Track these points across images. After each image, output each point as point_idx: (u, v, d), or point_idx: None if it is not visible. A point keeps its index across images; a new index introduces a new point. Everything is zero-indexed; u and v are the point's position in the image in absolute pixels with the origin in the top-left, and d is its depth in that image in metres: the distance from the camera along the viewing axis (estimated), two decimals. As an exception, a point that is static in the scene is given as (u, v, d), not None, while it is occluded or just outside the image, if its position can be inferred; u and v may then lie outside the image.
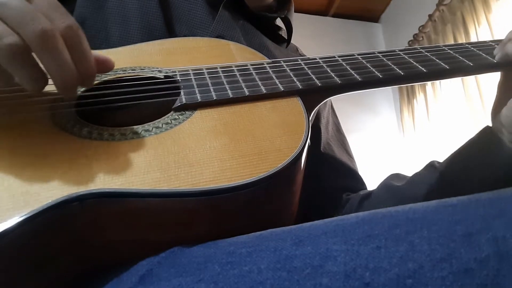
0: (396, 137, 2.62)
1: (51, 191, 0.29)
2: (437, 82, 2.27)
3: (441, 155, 0.56)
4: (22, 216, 0.27)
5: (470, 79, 1.95)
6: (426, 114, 2.35)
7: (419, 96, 2.44)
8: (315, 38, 2.68)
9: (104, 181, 0.30)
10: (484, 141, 0.52)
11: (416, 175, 0.57)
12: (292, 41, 0.74)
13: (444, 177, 0.53)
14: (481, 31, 1.95)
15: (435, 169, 0.54)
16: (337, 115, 0.78)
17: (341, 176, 0.66)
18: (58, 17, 0.32)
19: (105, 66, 0.38)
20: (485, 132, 0.52)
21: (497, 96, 0.52)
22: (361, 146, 2.39)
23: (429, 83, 2.35)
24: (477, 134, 0.53)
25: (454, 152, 0.54)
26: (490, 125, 0.50)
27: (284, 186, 0.36)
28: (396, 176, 0.61)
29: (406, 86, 2.57)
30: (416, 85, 2.47)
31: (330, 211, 0.63)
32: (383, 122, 2.71)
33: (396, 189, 0.58)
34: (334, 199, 0.64)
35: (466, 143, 0.54)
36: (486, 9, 1.95)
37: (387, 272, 0.22)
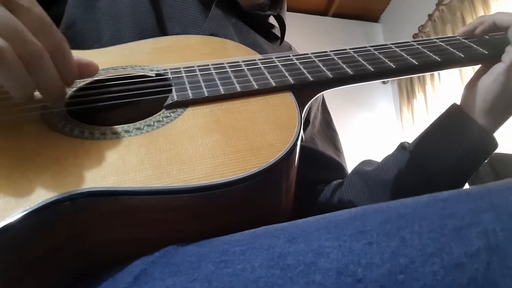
0: (396, 136, 2.62)
1: (42, 192, 0.29)
2: (437, 80, 2.27)
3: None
4: (13, 217, 0.26)
5: (469, 75, 1.94)
6: (425, 114, 2.34)
7: (419, 95, 2.44)
8: (315, 38, 2.68)
9: (96, 180, 0.30)
10: (452, 118, 0.52)
11: (386, 157, 0.57)
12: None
13: (413, 159, 0.53)
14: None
15: (405, 150, 0.54)
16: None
17: (321, 169, 0.66)
18: (44, 33, 0.32)
19: (88, 69, 0.37)
20: (453, 109, 0.52)
21: (479, 68, 0.52)
22: (361, 143, 2.40)
23: (428, 81, 2.34)
24: (445, 111, 0.53)
25: (423, 132, 0.54)
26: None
27: (277, 181, 0.36)
28: (367, 162, 0.62)
29: (406, 86, 2.57)
30: (416, 84, 2.47)
31: (304, 202, 0.63)
32: (383, 121, 2.71)
33: (366, 173, 0.58)
34: (310, 191, 0.64)
35: (434, 121, 0.54)
36: (485, 9, 1.95)
37: (379, 268, 0.22)
